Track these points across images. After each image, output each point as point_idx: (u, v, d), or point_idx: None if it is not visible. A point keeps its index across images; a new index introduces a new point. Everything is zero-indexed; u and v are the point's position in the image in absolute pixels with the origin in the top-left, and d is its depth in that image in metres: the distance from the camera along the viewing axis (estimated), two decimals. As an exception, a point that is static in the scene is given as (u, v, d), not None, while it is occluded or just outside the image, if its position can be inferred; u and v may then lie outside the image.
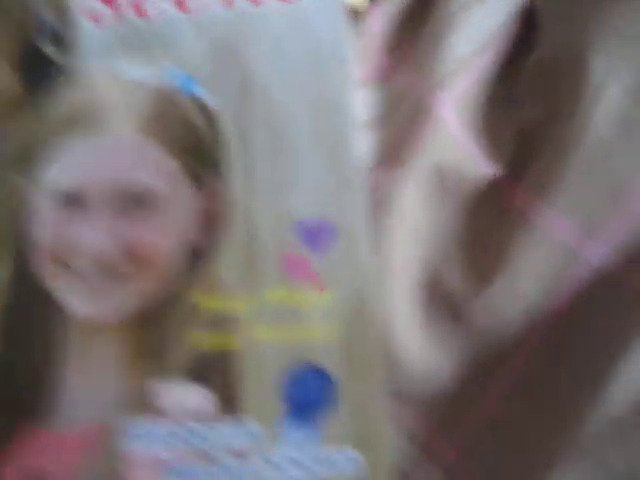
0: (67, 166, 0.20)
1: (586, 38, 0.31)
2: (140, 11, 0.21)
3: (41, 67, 0.19)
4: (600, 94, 0.30)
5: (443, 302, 0.31)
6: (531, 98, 0.32)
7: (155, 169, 0.20)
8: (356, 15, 0.35)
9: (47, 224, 0.20)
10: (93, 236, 0.20)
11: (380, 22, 0.34)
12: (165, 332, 0.21)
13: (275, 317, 0.22)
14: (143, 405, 0.20)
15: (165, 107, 0.20)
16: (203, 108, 0.21)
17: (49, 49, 0.20)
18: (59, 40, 0.20)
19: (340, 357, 0.22)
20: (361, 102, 0.32)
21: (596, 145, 0.29)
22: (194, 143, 0.21)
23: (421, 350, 0.31)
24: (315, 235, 0.22)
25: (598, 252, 0.29)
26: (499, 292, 0.30)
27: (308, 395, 0.22)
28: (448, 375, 0.31)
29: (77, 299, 0.20)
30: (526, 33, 0.34)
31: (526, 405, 0.29)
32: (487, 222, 0.31)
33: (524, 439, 0.29)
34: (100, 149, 0.20)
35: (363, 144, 0.23)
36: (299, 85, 0.22)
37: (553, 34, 0.33)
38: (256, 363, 0.22)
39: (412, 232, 0.31)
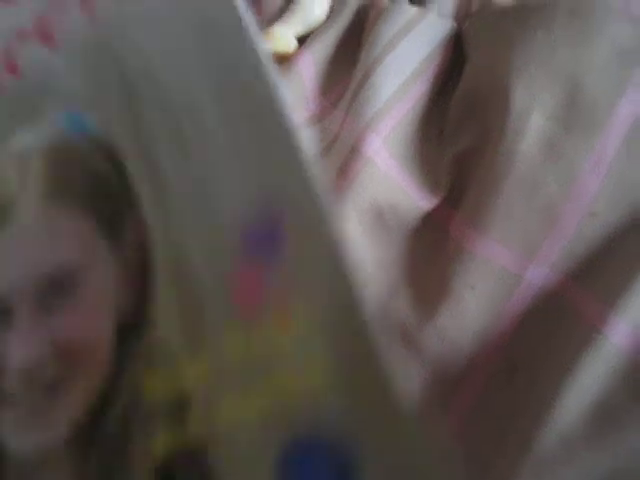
0: None
1: (508, 65, 0.31)
2: (13, 69, 0.19)
3: None
4: (524, 120, 0.30)
5: (395, 332, 0.32)
6: (461, 128, 0.33)
7: (69, 239, 0.18)
8: (284, 60, 0.35)
9: None
10: (19, 349, 0.17)
11: (310, 66, 0.35)
12: (116, 441, 0.16)
13: (243, 378, 0.16)
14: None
15: (64, 164, 0.18)
16: (99, 143, 0.18)
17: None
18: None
19: (347, 406, 0.14)
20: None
21: (525, 171, 0.30)
22: (101, 188, 0.18)
23: None
24: (264, 239, 0.16)
25: (539, 273, 0.30)
26: (447, 320, 0.31)
27: None
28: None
29: (14, 432, 0.16)
30: (455, 61, 0.35)
31: (482, 427, 0.30)
32: (428, 253, 0.32)
33: (481, 461, 0.30)
34: (9, 245, 0.17)
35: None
36: (187, 51, 0.17)
37: (477, 62, 0.34)
38: (234, 455, 0.15)
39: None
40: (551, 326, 0.30)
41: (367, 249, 0.32)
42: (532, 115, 0.30)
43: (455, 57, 0.35)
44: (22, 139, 0.18)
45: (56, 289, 0.17)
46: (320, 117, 0.34)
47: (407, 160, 0.33)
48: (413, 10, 0.34)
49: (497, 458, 0.29)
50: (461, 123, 0.33)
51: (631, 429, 0.27)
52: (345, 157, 0.32)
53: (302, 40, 0.36)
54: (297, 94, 0.34)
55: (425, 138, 0.33)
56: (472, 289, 0.30)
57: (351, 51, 0.35)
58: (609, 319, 0.28)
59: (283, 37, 0.35)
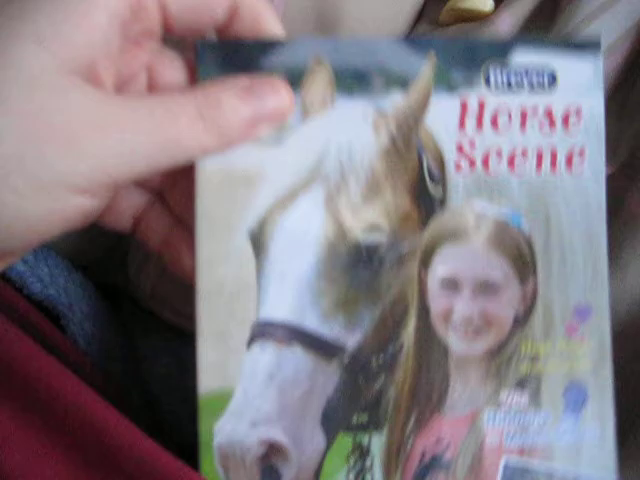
0: (446, 261, 0.30)
1: None
2: (486, 166, 0.30)
3: (427, 198, 0.30)
4: None
5: None
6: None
7: (498, 268, 0.31)
8: (478, 18, 0.35)
9: (436, 298, 0.30)
10: (463, 307, 0.30)
11: (509, 25, 0.35)
12: (505, 360, 0.31)
13: (560, 356, 0.31)
14: (494, 402, 0.30)
15: (502, 231, 0.30)
16: (524, 234, 0.31)
17: (432, 187, 0.30)
18: (438, 181, 0.30)
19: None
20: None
21: None
22: (519, 255, 0.31)
23: None
24: (582, 314, 0.31)
25: None
26: (612, 285, 0.34)
27: None
28: None
29: (456, 343, 0.31)
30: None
31: None
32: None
33: None
34: (465, 253, 0.30)
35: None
36: (579, 227, 0.31)
37: None
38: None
39: None
40: None
41: None
42: None
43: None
44: (481, 206, 0.31)
45: (486, 288, 0.31)
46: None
47: None
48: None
49: None
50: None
51: None
52: None
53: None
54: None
55: (611, 110, 0.35)
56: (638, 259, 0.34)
57: (547, 15, 0.36)
58: None
59: (480, -5, 0.34)
